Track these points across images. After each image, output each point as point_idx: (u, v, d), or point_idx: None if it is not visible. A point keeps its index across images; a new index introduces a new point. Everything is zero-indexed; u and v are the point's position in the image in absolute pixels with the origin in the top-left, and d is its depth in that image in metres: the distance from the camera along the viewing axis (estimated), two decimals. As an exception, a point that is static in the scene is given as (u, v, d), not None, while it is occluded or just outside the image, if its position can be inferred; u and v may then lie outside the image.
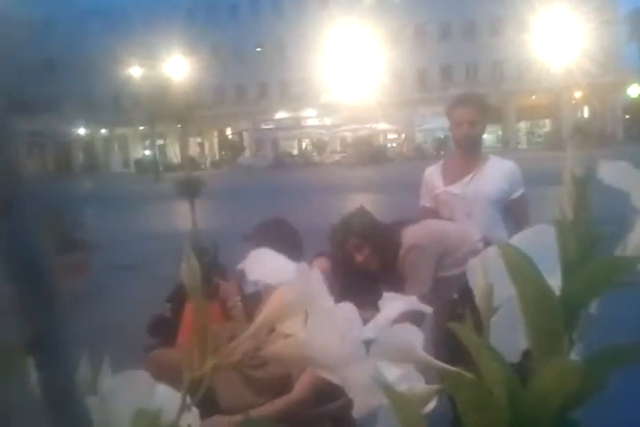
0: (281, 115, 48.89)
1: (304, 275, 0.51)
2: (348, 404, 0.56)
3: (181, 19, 46.54)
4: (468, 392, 0.51)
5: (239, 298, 2.55)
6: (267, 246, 0.64)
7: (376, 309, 0.62)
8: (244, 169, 40.76)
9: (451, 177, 2.93)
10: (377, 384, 0.52)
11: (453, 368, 0.56)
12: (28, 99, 42.32)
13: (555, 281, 0.56)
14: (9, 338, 0.35)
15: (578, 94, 40.96)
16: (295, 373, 2.01)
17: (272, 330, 0.57)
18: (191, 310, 0.66)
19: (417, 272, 2.47)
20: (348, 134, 45.45)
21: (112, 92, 47.98)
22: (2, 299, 0.35)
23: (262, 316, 0.54)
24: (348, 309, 0.54)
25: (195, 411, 0.57)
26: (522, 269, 0.54)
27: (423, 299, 0.65)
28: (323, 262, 2.52)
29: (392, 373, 0.59)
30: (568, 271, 0.56)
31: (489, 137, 42.15)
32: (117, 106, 48.63)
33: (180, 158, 46.36)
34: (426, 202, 3.04)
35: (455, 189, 2.88)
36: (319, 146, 48.34)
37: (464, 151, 2.95)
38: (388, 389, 0.52)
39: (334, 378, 0.54)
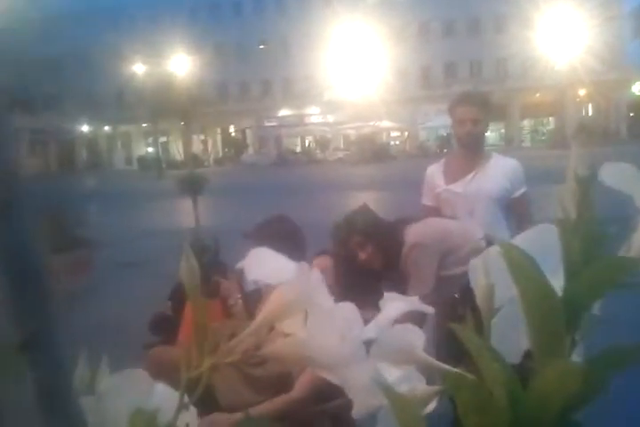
0: (284, 112, 48.88)
1: (304, 274, 0.51)
2: (348, 403, 0.56)
3: (185, 16, 46.59)
4: (468, 394, 0.51)
5: (240, 296, 2.55)
6: (269, 244, 0.64)
7: (378, 308, 0.62)
8: (247, 166, 40.76)
9: (452, 175, 2.93)
10: (377, 385, 0.51)
11: (454, 369, 0.55)
12: (32, 96, 42.44)
13: (557, 281, 0.55)
14: (4, 337, 0.35)
15: (582, 92, 40.83)
16: (295, 371, 2.01)
17: (272, 329, 0.56)
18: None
19: (419, 271, 2.47)
20: (352, 132, 45.38)
21: (115, 90, 48.06)
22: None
23: (261, 315, 0.53)
24: (348, 308, 0.54)
25: (193, 410, 0.56)
26: (524, 269, 0.54)
27: (425, 299, 0.64)
28: (325, 260, 2.51)
29: (392, 373, 0.59)
30: (571, 272, 0.55)
31: (492, 135, 42.07)
32: (120, 103, 48.67)
33: (183, 156, 46.34)
34: (427, 200, 3.03)
35: (457, 187, 2.88)
36: (322, 143, 48.30)
37: (466, 149, 2.94)
38: (388, 390, 0.51)
39: (334, 378, 0.53)
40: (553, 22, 37.89)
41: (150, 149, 50.10)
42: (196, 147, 50.07)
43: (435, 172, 3.02)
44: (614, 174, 0.58)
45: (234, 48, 48.49)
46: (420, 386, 0.60)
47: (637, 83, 41.93)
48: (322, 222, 3.01)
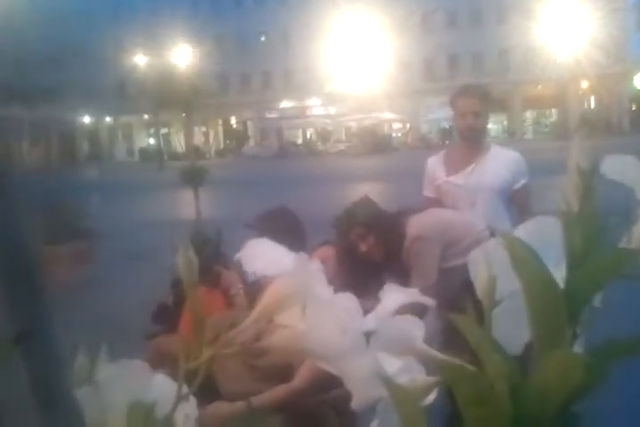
0: (285, 104, 48.73)
1: (302, 265, 0.51)
2: (349, 394, 0.56)
3: (186, 7, 46.33)
4: (468, 386, 0.50)
5: (241, 286, 2.55)
6: (270, 236, 0.64)
7: (379, 299, 0.61)
8: (248, 158, 40.68)
9: (453, 167, 2.92)
10: (377, 377, 0.51)
11: (454, 360, 0.55)
12: (33, 88, 42.32)
13: (558, 273, 0.55)
14: None
15: (584, 84, 40.66)
16: (296, 362, 2.01)
17: (271, 320, 0.56)
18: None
19: (422, 263, 2.47)
20: (353, 124, 45.23)
21: (116, 81, 47.87)
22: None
23: (259, 308, 0.53)
24: (347, 299, 0.53)
25: (192, 401, 0.56)
26: (526, 261, 0.54)
27: (428, 291, 0.64)
28: (327, 251, 2.51)
29: (392, 364, 0.59)
30: (573, 263, 0.55)
31: (494, 127, 41.97)
32: (122, 94, 48.49)
33: (184, 147, 46.23)
34: (428, 192, 3.02)
35: (457, 179, 2.87)
36: (324, 135, 48.19)
37: (467, 142, 2.93)
38: (387, 381, 0.51)
39: (333, 369, 0.53)
40: (556, 14, 37.65)
41: (152, 141, 50.07)
42: (198, 138, 49.96)
43: (435, 163, 3.01)
44: (616, 167, 0.58)
45: (234, 39, 48.28)
46: (420, 377, 0.60)
47: (639, 75, 41.74)
48: (323, 214, 3.01)
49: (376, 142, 40.63)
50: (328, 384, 1.90)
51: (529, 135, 44.72)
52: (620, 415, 2.88)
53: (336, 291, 0.54)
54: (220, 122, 52.50)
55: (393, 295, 0.60)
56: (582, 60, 36.57)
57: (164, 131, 48.00)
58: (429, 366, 0.61)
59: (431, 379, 0.59)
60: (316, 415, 2.06)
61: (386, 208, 2.67)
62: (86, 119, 52.49)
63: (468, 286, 0.61)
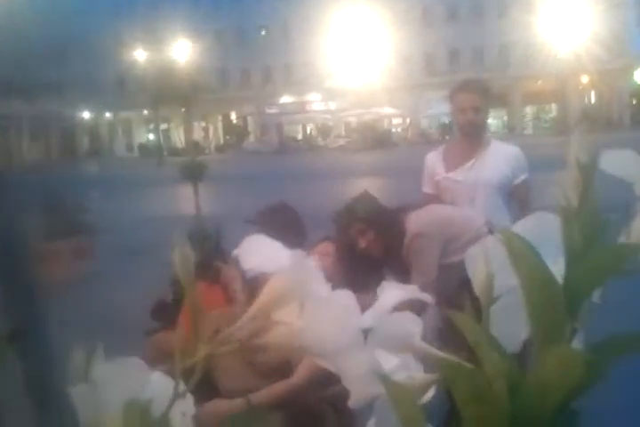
0: (285, 99, 48.64)
1: (298, 262, 0.50)
2: (347, 391, 0.55)
3: (186, 2, 46.17)
4: (466, 383, 0.50)
5: (241, 282, 2.55)
6: (270, 231, 0.63)
7: (377, 295, 0.61)
8: (248, 154, 40.67)
9: (452, 163, 2.91)
10: (374, 374, 0.51)
11: (452, 357, 0.55)
12: (33, 83, 42.23)
13: (557, 269, 0.55)
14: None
15: (585, 79, 40.57)
16: (294, 359, 2.01)
17: (269, 317, 0.56)
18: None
19: (422, 260, 2.46)
20: (353, 119, 45.21)
21: (116, 76, 47.80)
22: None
23: (256, 305, 0.53)
24: (345, 296, 0.53)
25: (189, 398, 0.56)
26: (525, 257, 0.53)
27: (427, 287, 0.64)
28: (327, 247, 2.51)
29: (390, 361, 0.59)
30: (572, 259, 0.55)
31: (494, 122, 41.90)
32: (121, 90, 48.44)
33: (184, 143, 46.21)
34: (428, 188, 3.01)
35: (457, 175, 2.86)
36: (324, 131, 48.16)
37: (467, 137, 2.92)
38: (385, 379, 0.51)
39: (331, 367, 0.53)
40: (557, 9, 37.53)
41: (151, 136, 50.02)
42: (197, 134, 49.93)
43: (434, 159, 2.99)
44: (616, 162, 0.58)
45: (234, 34, 48.14)
46: (417, 375, 0.60)
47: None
48: (323, 210, 3.00)
49: (376, 138, 40.63)
50: (326, 381, 1.90)
51: (529, 130, 44.68)
52: (620, 414, 2.89)
53: (336, 287, 0.54)
54: (220, 117, 52.43)
55: (391, 292, 0.60)
56: (583, 55, 36.48)
57: (163, 126, 47.95)
58: (427, 363, 0.60)
59: (429, 376, 0.59)
60: (314, 412, 2.06)
61: (386, 203, 2.66)
62: (86, 115, 52.43)
63: (466, 282, 0.61)
